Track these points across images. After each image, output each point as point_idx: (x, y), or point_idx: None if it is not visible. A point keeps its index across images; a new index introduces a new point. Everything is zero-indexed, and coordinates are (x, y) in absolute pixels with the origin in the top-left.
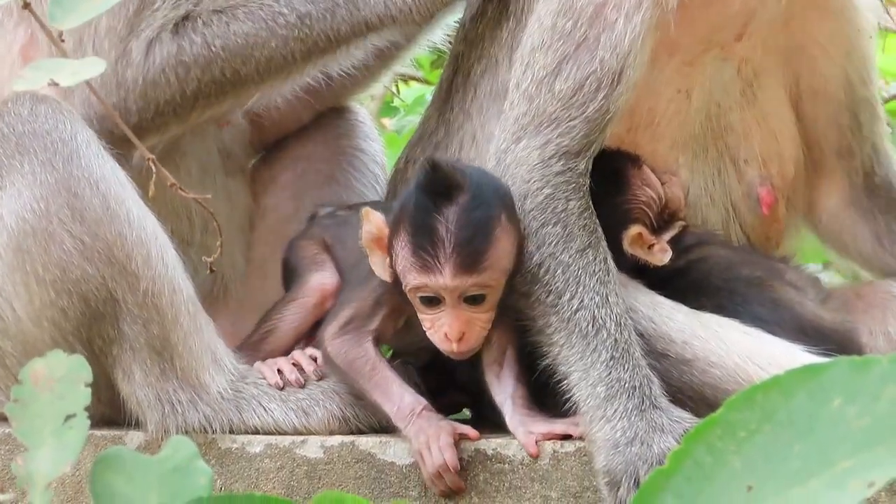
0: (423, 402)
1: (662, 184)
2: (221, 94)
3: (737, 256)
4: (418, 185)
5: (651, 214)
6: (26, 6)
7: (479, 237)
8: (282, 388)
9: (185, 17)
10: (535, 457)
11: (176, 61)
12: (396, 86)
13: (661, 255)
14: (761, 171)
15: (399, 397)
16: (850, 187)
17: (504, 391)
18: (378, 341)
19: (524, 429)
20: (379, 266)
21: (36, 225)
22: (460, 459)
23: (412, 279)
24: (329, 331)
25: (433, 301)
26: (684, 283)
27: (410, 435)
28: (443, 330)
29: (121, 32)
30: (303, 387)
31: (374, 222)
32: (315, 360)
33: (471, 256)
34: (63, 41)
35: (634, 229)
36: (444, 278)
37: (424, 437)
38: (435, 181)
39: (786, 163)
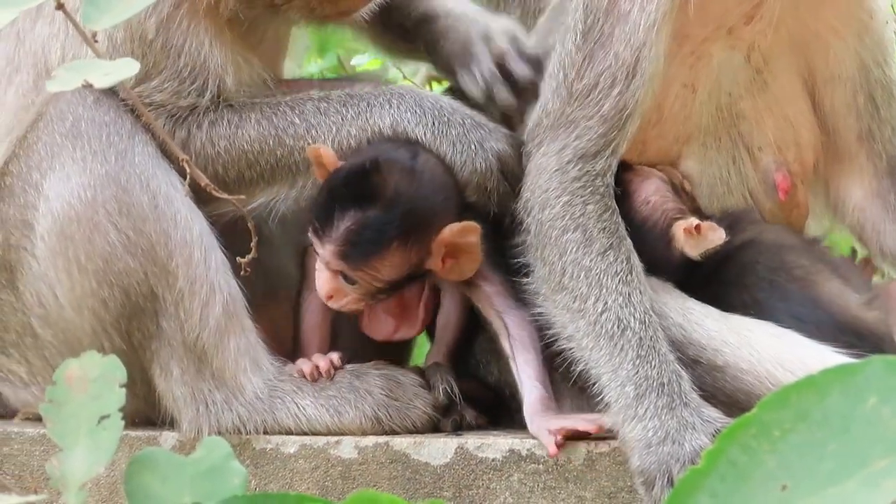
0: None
1: (658, 168)
2: (226, 191)
3: (787, 238)
4: (348, 172)
5: (673, 201)
6: (60, 6)
7: (365, 247)
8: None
9: (191, 109)
10: (553, 455)
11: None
12: (430, 85)
13: (713, 233)
14: (776, 157)
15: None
16: (876, 175)
17: (521, 381)
18: None
19: (538, 424)
20: None
21: (82, 213)
22: (494, 459)
23: (309, 228)
24: None
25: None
26: (732, 270)
27: None
28: (318, 281)
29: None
30: (315, 380)
31: (325, 156)
32: (332, 362)
33: (350, 255)
34: (96, 41)
35: (678, 228)
36: (324, 252)
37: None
38: (360, 180)
39: (804, 149)
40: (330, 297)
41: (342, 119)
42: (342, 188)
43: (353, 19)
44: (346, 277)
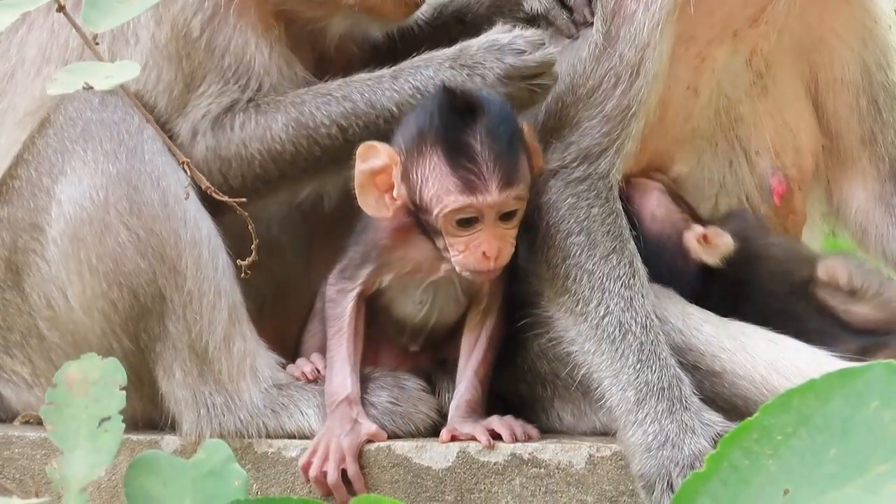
0: (349, 391)
1: (651, 178)
2: (273, 188)
3: (788, 250)
4: (440, 107)
5: (677, 211)
6: (61, 9)
7: (513, 149)
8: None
9: (229, 109)
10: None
11: (215, 155)
12: None
13: (720, 239)
14: (773, 162)
15: (332, 377)
16: (878, 179)
17: (459, 386)
18: (362, 298)
19: (450, 427)
20: (373, 205)
21: (94, 214)
22: (496, 463)
23: (452, 201)
24: (332, 274)
25: (469, 221)
26: (751, 293)
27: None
28: (480, 249)
29: (168, 109)
30: (311, 381)
31: (383, 152)
32: (316, 368)
33: (511, 169)
34: (97, 44)
35: (690, 240)
36: (491, 195)
37: (328, 432)
38: (455, 102)
39: (803, 154)
40: (498, 255)
41: (376, 84)
42: (454, 124)
43: (409, 18)
44: (503, 218)
